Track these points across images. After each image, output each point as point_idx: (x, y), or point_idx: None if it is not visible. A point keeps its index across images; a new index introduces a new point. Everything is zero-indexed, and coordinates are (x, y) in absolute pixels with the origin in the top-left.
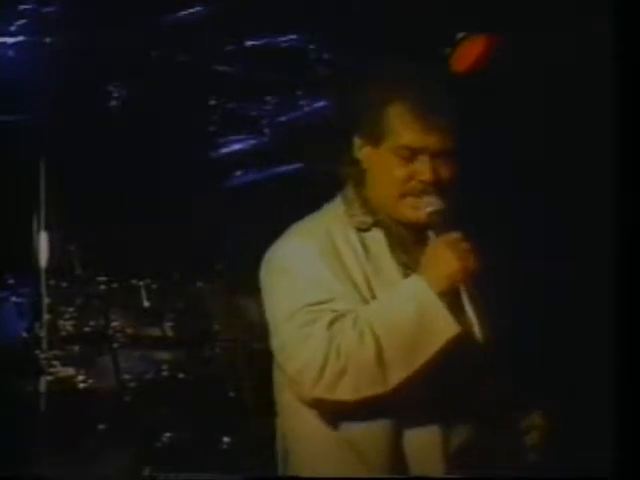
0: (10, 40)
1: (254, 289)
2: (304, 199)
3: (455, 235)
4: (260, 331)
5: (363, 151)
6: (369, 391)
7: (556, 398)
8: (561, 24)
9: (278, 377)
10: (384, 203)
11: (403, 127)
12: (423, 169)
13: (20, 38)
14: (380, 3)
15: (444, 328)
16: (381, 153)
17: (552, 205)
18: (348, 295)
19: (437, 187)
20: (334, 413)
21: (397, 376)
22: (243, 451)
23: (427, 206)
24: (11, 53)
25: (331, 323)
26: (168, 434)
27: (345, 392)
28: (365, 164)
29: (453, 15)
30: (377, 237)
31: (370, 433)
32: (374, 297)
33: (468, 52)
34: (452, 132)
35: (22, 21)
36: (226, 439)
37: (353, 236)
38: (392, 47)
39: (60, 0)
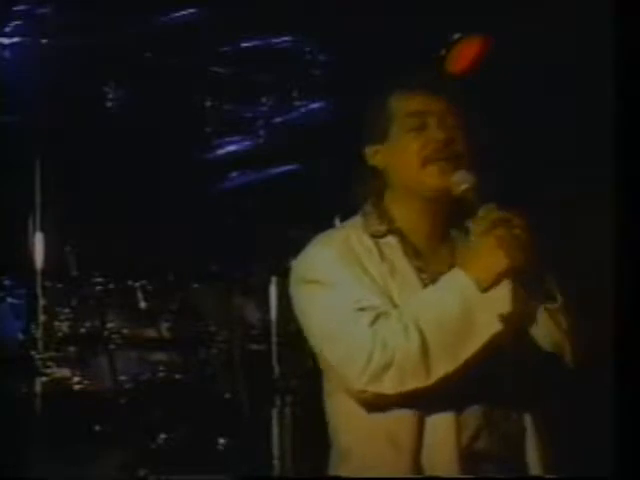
0: (5, 41)
1: (250, 290)
2: (300, 200)
3: (505, 216)
4: (256, 332)
5: (376, 155)
6: (413, 384)
7: (555, 398)
8: (561, 24)
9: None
10: (409, 185)
11: (405, 101)
12: (434, 131)
13: (15, 39)
14: (376, 5)
15: (489, 323)
16: (391, 143)
17: (552, 205)
18: (375, 293)
19: (453, 150)
20: (376, 406)
21: (441, 370)
22: (239, 452)
23: (460, 183)
24: (6, 54)
25: (375, 318)
26: (164, 435)
27: (390, 385)
28: (381, 165)
29: (451, 15)
30: (391, 243)
31: (408, 425)
32: (391, 297)
33: (463, 53)
34: (454, 98)
35: (17, 22)
36: (222, 440)
37: (368, 241)
38: (388, 48)
39: (55, 1)
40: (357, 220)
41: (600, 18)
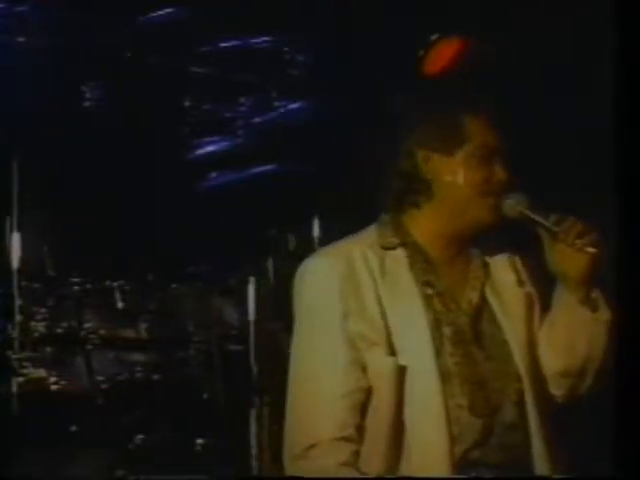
0: None
1: (228, 291)
2: (279, 200)
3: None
4: (234, 332)
5: (430, 162)
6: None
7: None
8: (561, 24)
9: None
10: (456, 208)
11: (481, 130)
12: (499, 169)
13: None
14: (356, 5)
15: None
16: (456, 159)
17: (552, 206)
18: (362, 329)
19: (506, 189)
20: None
21: None
22: (217, 452)
23: (516, 205)
24: None
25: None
26: (142, 435)
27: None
28: (430, 174)
29: (446, 15)
30: (398, 255)
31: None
32: (384, 317)
33: (441, 54)
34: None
35: None
36: (200, 440)
37: (371, 255)
38: (369, 49)
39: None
40: (368, 232)
41: (600, 18)
